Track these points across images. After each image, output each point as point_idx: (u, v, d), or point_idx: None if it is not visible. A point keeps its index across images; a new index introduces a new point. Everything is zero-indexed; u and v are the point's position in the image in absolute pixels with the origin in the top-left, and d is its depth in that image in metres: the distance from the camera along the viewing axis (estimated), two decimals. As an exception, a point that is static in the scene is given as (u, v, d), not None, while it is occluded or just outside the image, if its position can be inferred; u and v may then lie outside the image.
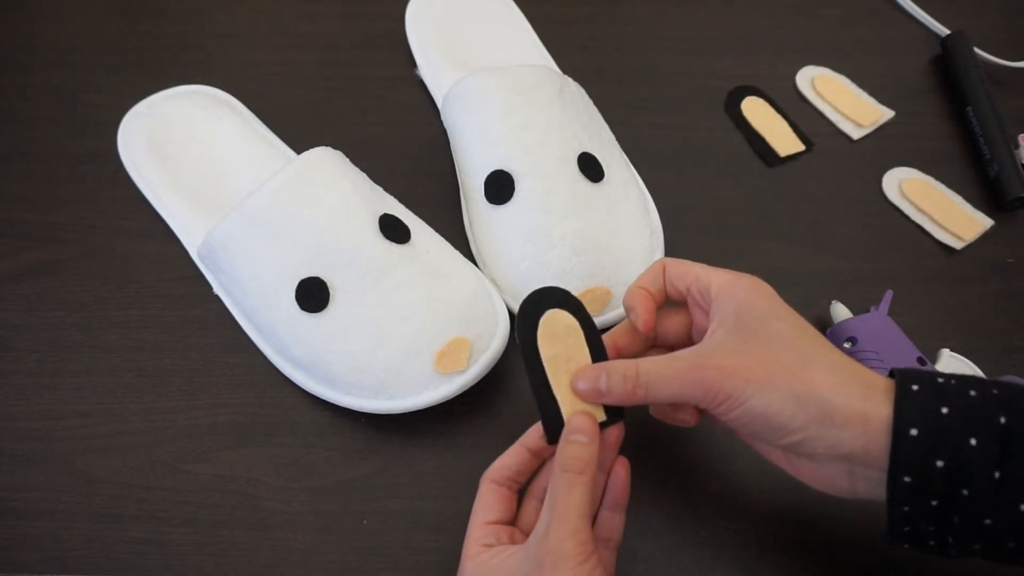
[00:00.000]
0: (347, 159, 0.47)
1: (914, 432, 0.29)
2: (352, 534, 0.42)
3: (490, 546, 0.34)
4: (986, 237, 0.52)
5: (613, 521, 0.37)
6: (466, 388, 0.42)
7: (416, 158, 0.55)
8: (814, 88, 0.59)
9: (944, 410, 0.30)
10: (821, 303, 0.49)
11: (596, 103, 0.54)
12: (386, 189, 0.48)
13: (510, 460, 0.37)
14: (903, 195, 0.54)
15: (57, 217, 0.52)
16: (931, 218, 0.53)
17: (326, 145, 0.47)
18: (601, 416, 0.36)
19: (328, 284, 0.43)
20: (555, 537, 0.32)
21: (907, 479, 0.30)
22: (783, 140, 0.56)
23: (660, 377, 0.34)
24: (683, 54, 0.61)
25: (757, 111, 0.58)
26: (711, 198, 0.54)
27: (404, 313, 0.42)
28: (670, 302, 0.39)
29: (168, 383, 0.46)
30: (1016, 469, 0.28)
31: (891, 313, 0.47)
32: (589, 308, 0.44)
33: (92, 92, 0.58)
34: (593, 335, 0.38)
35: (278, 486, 0.43)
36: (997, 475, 0.29)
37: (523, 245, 0.46)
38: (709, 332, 0.35)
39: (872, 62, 0.61)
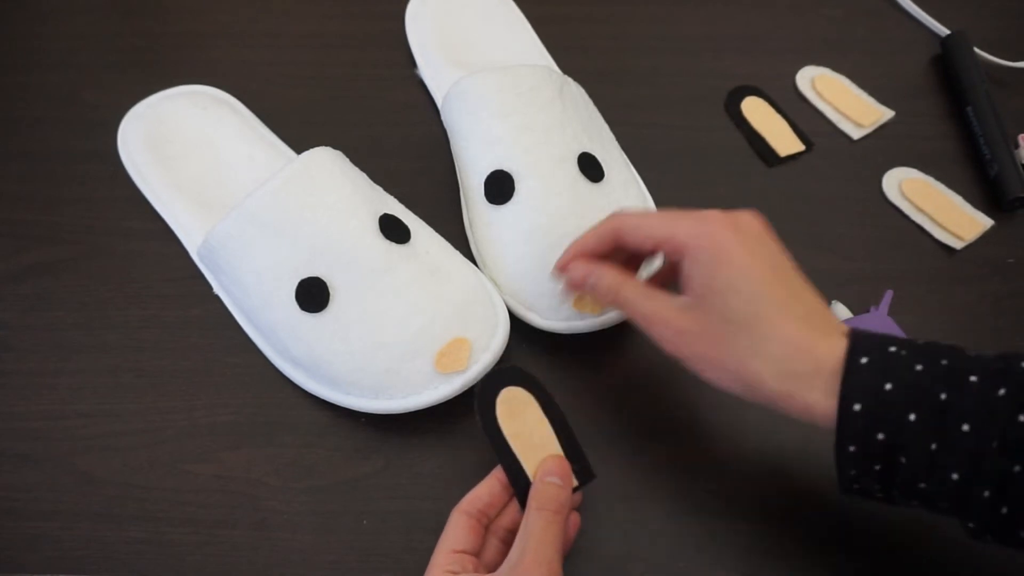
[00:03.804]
0: (347, 159, 0.47)
1: (857, 407, 0.31)
2: (352, 534, 0.42)
3: (455, 574, 0.35)
4: (986, 237, 0.52)
5: None
6: (466, 388, 0.42)
7: (416, 158, 0.55)
8: (814, 88, 0.59)
9: (887, 386, 0.31)
10: (821, 303, 0.49)
11: (596, 103, 0.54)
12: (386, 189, 0.48)
13: (482, 492, 0.38)
14: (903, 195, 0.54)
15: (57, 217, 0.52)
16: (931, 218, 0.53)
17: (326, 145, 0.47)
18: (572, 483, 0.38)
19: (328, 284, 0.42)
20: (530, 564, 0.33)
21: (852, 448, 0.32)
22: (783, 140, 0.56)
23: (633, 310, 0.38)
24: (683, 54, 0.61)
25: (757, 111, 0.58)
26: (711, 198, 0.53)
27: (404, 313, 0.42)
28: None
29: (168, 383, 0.46)
30: (950, 443, 0.30)
31: (891, 313, 0.47)
32: (589, 309, 0.44)
33: (92, 92, 0.58)
34: (551, 407, 0.39)
35: (278, 486, 0.43)
36: (933, 447, 0.30)
37: (523, 245, 0.46)
38: (683, 291, 0.37)
39: (872, 62, 0.61)
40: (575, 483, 0.38)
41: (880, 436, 0.31)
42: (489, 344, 0.43)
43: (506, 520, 0.38)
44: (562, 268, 0.41)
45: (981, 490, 0.30)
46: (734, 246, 0.35)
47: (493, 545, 0.38)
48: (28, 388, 0.46)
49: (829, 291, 0.49)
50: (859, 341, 0.32)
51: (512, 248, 0.46)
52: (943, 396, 0.30)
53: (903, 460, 0.31)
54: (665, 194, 0.52)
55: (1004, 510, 0.30)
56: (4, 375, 0.46)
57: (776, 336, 0.33)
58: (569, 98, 0.49)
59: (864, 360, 0.32)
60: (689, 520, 0.42)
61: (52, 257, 0.51)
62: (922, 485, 0.31)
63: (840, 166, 0.56)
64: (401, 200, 0.48)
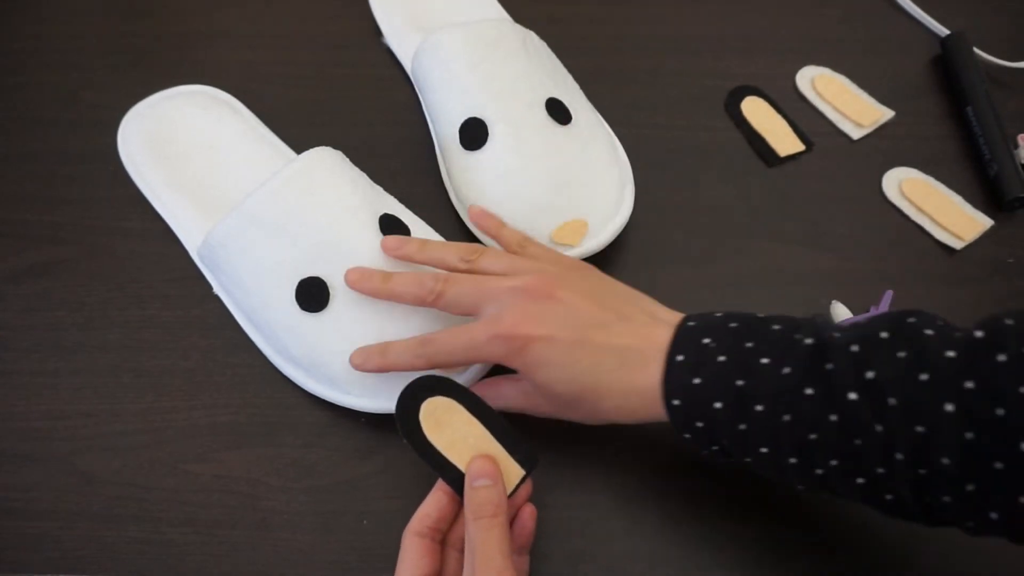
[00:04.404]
0: (347, 159, 0.47)
1: (677, 402, 0.35)
2: (352, 534, 0.42)
3: None
4: (986, 237, 0.52)
5: (519, 563, 0.37)
6: (467, 386, 0.42)
7: (416, 158, 0.55)
8: (814, 88, 0.59)
9: (696, 381, 0.35)
10: (821, 303, 0.49)
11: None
12: (386, 189, 0.48)
13: (430, 509, 0.37)
14: (903, 195, 0.54)
15: (57, 217, 0.52)
16: (931, 218, 0.53)
17: (326, 145, 0.47)
18: (519, 473, 0.37)
19: (328, 284, 0.43)
20: None
21: (687, 436, 0.36)
22: (783, 140, 0.56)
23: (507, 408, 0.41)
24: (683, 54, 0.61)
25: (757, 111, 0.58)
26: (711, 198, 0.54)
27: (403, 312, 0.42)
28: None
29: (168, 383, 0.46)
30: (752, 422, 0.33)
31: (891, 313, 0.46)
32: (568, 240, 0.46)
33: (92, 92, 0.58)
34: (475, 403, 0.38)
35: (278, 486, 0.43)
36: (742, 427, 0.34)
37: (500, 186, 0.48)
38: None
39: (872, 62, 0.61)
40: (521, 472, 0.37)
41: (699, 424, 0.35)
42: None
43: (461, 530, 0.37)
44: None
45: (788, 458, 0.33)
46: (530, 350, 0.37)
47: (454, 558, 0.37)
48: (28, 388, 0.46)
49: (829, 291, 0.49)
50: (678, 338, 0.36)
51: (489, 190, 0.48)
52: (740, 383, 0.34)
53: (724, 442, 0.35)
54: (665, 194, 0.52)
55: (818, 471, 0.33)
56: (4, 375, 0.46)
57: (603, 397, 0.37)
58: (532, 49, 0.52)
59: (679, 358, 0.36)
60: (689, 520, 0.42)
61: (52, 257, 0.51)
62: (748, 460, 0.35)
63: (840, 166, 0.56)
64: (401, 200, 0.48)
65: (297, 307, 0.43)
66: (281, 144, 0.54)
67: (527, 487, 0.38)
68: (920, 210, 0.53)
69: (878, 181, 0.55)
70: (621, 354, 0.37)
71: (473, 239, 0.50)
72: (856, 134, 0.57)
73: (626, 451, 0.44)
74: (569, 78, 0.54)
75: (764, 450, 0.34)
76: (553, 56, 0.54)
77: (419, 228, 0.47)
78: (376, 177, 0.49)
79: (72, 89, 0.58)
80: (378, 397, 0.43)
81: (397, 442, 0.44)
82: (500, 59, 0.50)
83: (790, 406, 0.33)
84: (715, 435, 0.35)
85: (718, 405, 0.34)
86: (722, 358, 0.35)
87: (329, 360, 0.43)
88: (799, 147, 0.56)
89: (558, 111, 0.49)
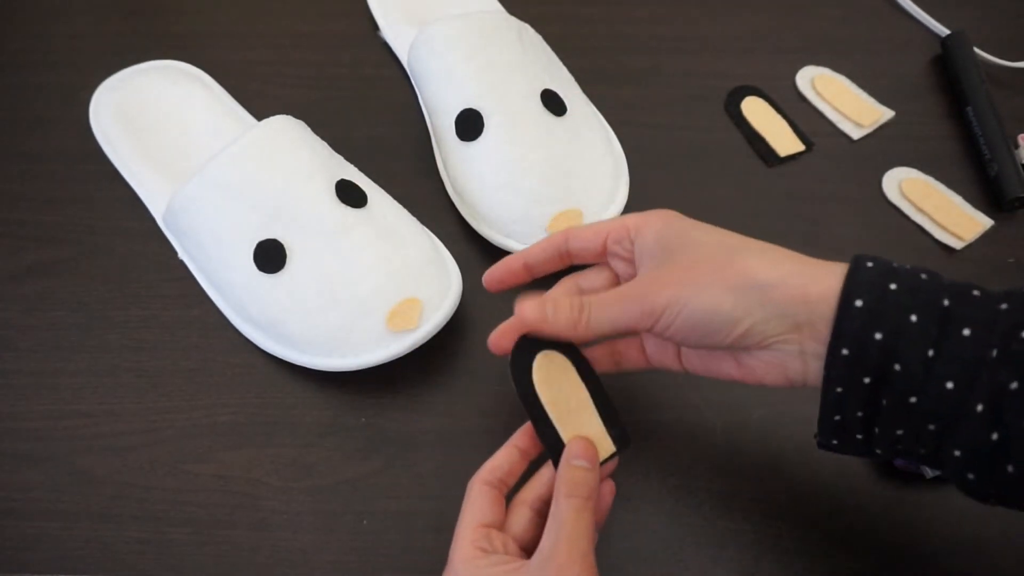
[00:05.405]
0: (308, 128, 0.48)
1: (859, 303, 0.30)
2: (352, 534, 0.42)
3: (485, 551, 0.34)
4: (986, 237, 0.52)
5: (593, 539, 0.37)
6: (416, 347, 0.43)
7: (417, 158, 0.55)
8: (814, 88, 0.59)
9: (892, 286, 0.30)
10: (821, 303, 0.49)
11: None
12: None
13: (501, 461, 0.37)
14: (903, 195, 0.54)
15: (57, 217, 0.52)
16: (931, 218, 0.53)
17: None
18: (610, 449, 0.37)
19: (285, 246, 0.43)
20: (565, 559, 0.32)
21: (845, 351, 0.30)
22: (783, 140, 0.56)
23: (601, 302, 0.35)
24: (683, 54, 0.61)
25: (757, 111, 0.58)
26: (711, 198, 0.54)
27: (358, 273, 0.43)
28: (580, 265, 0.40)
29: (168, 383, 0.46)
30: (950, 348, 0.29)
31: (891, 313, 0.46)
32: (562, 228, 0.44)
33: (92, 92, 0.58)
34: (587, 371, 0.38)
35: (278, 486, 0.43)
36: (931, 353, 0.29)
37: (496, 176, 0.48)
38: (639, 268, 0.36)
39: (872, 62, 0.61)
40: (612, 449, 0.37)
41: (878, 336, 0.30)
42: (441, 304, 0.44)
43: (535, 490, 0.37)
44: (493, 284, 0.40)
45: (975, 404, 0.28)
46: (687, 221, 0.36)
47: (525, 515, 0.36)
48: (28, 388, 0.46)
49: (829, 291, 0.49)
50: (862, 255, 0.32)
51: (486, 181, 0.48)
52: (946, 302, 0.30)
53: (897, 367, 0.30)
54: (665, 194, 0.52)
55: (995, 436, 0.28)
56: (4, 375, 0.46)
57: (753, 244, 0.34)
58: (528, 41, 0.52)
59: (869, 264, 0.31)
60: (689, 520, 0.42)
61: (52, 257, 0.51)
62: (913, 399, 0.30)
63: (840, 166, 0.56)
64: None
65: (255, 268, 0.43)
66: (249, 117, 0.55)
67: (612, 463, 0.37)
68: (920, 210, 0.53)
69: (878, 181, 0.55)
70: (788, 253, 0.33)
71: (475, 241, 0.50)
72: (856, 134, 0.57)
73: (626, 451, 0.44)
74: (564, 70, 0.55)
75: (950, 386, 0.29)
76: (548, 48, 0.55)
77: (376, 194, 0.47)
78: (376, 177, 0.49)
79: (72, 89, 0.58)
80: (331, 355, 0.43)
81: (397, 442, 0.44)
82: (496, 50, 0.50)
83: (1003, 343, 0.28)
84: (889, 356, 0.30)
85: (913, 318, 0.29)
86: (923, 276, 0.31)
87: (285, 319, 0.44)
88: (799, 147, 0.56)
89: (553, 102, 0.49)
